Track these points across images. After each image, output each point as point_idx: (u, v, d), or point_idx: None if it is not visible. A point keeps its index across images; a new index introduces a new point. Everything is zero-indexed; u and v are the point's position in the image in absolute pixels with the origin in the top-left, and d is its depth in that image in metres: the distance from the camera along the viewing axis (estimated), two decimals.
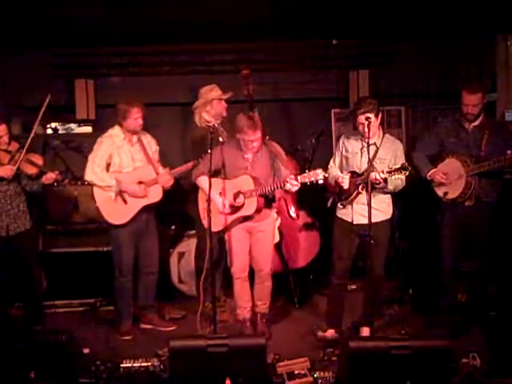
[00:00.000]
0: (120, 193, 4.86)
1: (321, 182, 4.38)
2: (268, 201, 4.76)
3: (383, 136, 4.56)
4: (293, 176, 4.49)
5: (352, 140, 4.67)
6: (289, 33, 6.22)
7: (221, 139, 4.66)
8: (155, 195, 4.93)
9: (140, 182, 4.90)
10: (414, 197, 5.64)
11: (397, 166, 4.29)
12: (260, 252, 4.81)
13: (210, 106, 5.31)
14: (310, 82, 6.82)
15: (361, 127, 4.47)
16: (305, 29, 6.06)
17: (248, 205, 4.65)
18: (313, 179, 4.39)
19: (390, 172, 4.30)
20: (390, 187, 4.48)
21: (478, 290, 4.80)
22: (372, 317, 4.62)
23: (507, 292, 5.07)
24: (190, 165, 4.96)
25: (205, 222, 4.71)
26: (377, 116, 4.45)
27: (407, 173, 4.25)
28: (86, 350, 4.33)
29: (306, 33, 6.26)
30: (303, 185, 4.47)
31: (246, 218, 4.73)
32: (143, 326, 5.15)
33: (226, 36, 6.14)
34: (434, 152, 4.79)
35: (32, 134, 4.88)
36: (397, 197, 4.75)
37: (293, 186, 4.45)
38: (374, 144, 4.50)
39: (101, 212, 4.91)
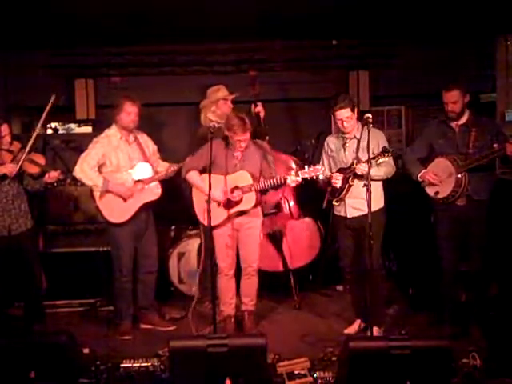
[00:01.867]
0: (106, 193, 4.87)
1: (321, 177, 4.54)
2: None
3: (362, 128, 4.54)
4: (293, 172, 4.59)
5: (334, 139, 4.82)
6: (289, 33, 6.23)
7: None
8: (154, 193, 4.95)
9: (138, 181, 4.91)
10: (407, 198, 5.66)
11: (378, 152, 4.42)
12: (248, 248, 4.85)
13: (216, 106, 5.35)
14: (310, 83, 6.82)
15: (339, 123, 4.61)
16: (305, 29, 6.06)
17: (246, 200, 4.70)
18: (313, 174, 4.53)
19: (373, 158, 4.38)
20: (381, 173, 4.57)
21: (477, 289, 4.79)
22: (380, 316, 4.69)
23: (507, 291, 5.07)
24: (175, 168, 4.97)
25: (200, 218, 4.81)
26: (353, 110, 4.58)
27: (390, 154, 4.38)
28: (86, 350, 4.32)
29: (306, 33, 6.27)
30: (304, 180, 4.59)
31: (240, 214, 4.77)
32: (143, 325, 5.14)
33: (227, 36, 6.15)
34: (425, 154, 4.79)
35: (35, 135, 4.88)
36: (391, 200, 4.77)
37: (293, 181, 4.56)
38: (355, 137, 4.59)
39: (100, 211, 4.92)
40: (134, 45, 6.55)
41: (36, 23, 5.48)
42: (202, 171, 4.77)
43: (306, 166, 4.60)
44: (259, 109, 5.46)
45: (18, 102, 6.62)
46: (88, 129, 6.84)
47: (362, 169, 4.42)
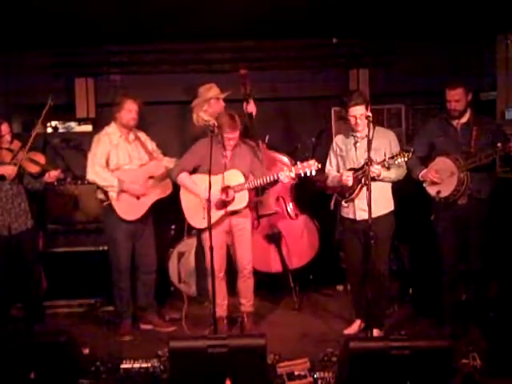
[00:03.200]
0: (121, 192, 4.86)
1: (314, 173, 4.47)
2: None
3: (374, 128, 4.51)
4: (287, 168, 4.56)
5: (344, 138, 4.75)
6: (289, 31, 6.22)
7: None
8: (165, 189, 4.96)
9: (150, 177, 4.93)
10: (407, 197, 5.64)
11: (397, 151, 4.38)
12: (243, 250, 4.83)
13: (208, 104, 5.31)
14: (311, 81, 6.81)
15: (352, 120, 4.54)
16: (305, 27, 6.05)
17: (238, 199, 4.67)
18: (307, 170, 4.48)
19: (392, 157, 4.34)
20: (392, 175, 4.52)
21: (477, 289, 4.79)
22: (382, 318, 4.67)
23: (507, 291, 5.06)
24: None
25: (190, 220, 4.80)
26: (367, 108, 4.52)
27: (410, 154, 4.31)
28: (86, 351, 4.33)
29: (306, 31, 6.25)
30: (298, 176, 4.56)
31: (233, 213, 4.74)
32: (143, 326, 5.14)
33: (226, 34, 6.14)
34: (426, 153, 4.77)
35: (34, 133, 4.88)
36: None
37: (287, 177, 4.52)
38: (366, 136, 4.46)
39: (115, 209, 4.88)
40: (133, 43, 6.54)
41: (36, 22, 5.46)
42: (193, 172, 4.75)
43: (299, 162, 4.56)
44: (251, 108, 5.37)
45: (19, 101, 6.61)
46: (88, 127, 6.83)
47: (373, 171, 4.36)
